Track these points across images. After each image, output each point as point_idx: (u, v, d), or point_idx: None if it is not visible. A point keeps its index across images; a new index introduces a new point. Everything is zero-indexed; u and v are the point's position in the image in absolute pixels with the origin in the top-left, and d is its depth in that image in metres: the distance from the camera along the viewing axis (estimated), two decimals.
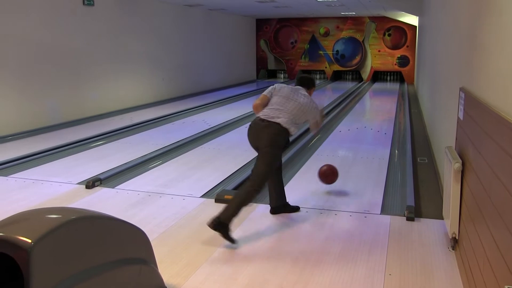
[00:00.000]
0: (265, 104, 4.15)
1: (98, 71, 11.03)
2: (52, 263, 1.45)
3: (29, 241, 1.36)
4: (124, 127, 9.33)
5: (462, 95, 3.76)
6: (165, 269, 3.38)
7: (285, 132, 3.99)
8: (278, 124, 3.94)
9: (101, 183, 5.49)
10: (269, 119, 3.97)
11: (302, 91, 4.28)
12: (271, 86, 4.28)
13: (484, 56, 3.10)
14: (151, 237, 2.45)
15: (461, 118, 3.74)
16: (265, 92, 4.24)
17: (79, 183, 5.53)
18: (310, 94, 4.33)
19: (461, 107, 3.77)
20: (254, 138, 4.05)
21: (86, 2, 10.45)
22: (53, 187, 5.43)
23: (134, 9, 12.31)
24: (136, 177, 5.82)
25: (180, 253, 3.72)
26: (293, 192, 4.99)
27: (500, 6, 2.70)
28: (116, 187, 5.40)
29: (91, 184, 5.36)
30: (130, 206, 4.82)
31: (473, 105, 3.27)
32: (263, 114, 4.05)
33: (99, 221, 1.80)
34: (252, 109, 4.29)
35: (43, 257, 1.37)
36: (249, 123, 4.21)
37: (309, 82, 4.42)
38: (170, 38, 14.30)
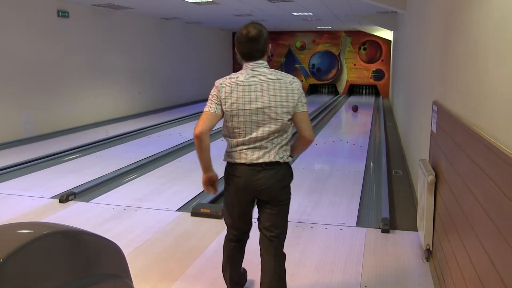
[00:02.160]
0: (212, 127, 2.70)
1: (73, 83, 10.92)
2: (22, 280, 1.41)
3: None
4: (99, 140, 9.23)
5: (435, 108, 3.83)
6: (140, 284, 3.34)
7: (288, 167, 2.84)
8: (277, 163, 2.72)
9: (75, 197, 5.41)
10: (261, 161, 2.69)
11: (264, 70, 2.71)
12: (212, 92, 2.73)
13: (455, 71, 3.17)
14: (126, 252, 2.41)
15: (434, 131, 3.80)
16: (208, 109, 2.70)
17: (52, 197, 5.44)
18: (268, 52, 2.78)
19: (434, 120, 3.83)
20: (251, 191, 2.75)
21: (60, 14, 10.36)
22: (25, 202, 5.33)
23: (110, 21, 12.25)
24: (111, 191, 5.75)
25: (156, 268, 3.68)
26: None
27: (468, 25, 2.77)
28: (90, 201, 5.33)
29: (65, 198, 5.28)
30: (105, 220, 4.75)
31: (445, 118, 3.33)
32: (243, 155, 2.71)
33: (72, 235, 1.77)
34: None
35: (13, 274, 1.34)
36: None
37: (259, 39, 2.69)
38: (147, 51, 14.25)
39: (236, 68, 22.09)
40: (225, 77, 2.75)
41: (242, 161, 2.72)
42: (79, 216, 4.87)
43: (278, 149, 2.72)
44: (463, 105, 2.82)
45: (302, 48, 21.42)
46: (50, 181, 6.18)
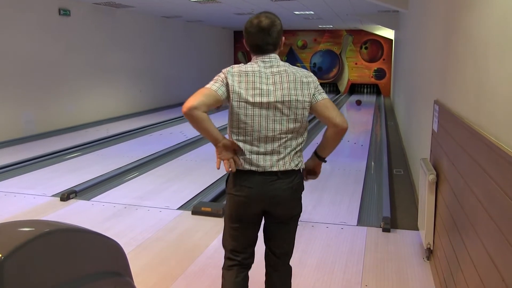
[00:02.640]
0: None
1: (74, 82, 10.92)
2: (24, 278, 1.41)
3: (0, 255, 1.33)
4: (100, 138, 9.23)
5: (437, 107, 3.82)
6: (142, 282, 3.34)
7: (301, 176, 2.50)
8: (293, 170, 2.39)
9: (76, 196, 5.42)
10: (275, 168, 2.34)
11: (277, 62, 2.40)
12: (219, 75, 2.39)
13: (457, 70, 3.17)
14: (127, 250, 2.43)
15: (436, 130, 3.80)
16: (210, 85, 2.34)
17: (53, 196, 5.44)
18: (281, 46, 2.46)
19: (436, 120, 3.83)
20: (258, 202, 2.39)
21: (62, 13, 10.36)
22: (27, 200, 5.33)
23: (111, 20, 12.25)
24: (112, 189, 5.76)
25: (157, 266, 3.69)
26: None
27: (471, 22, 2.77)
28: (91, 200, 5.33)
29: (66, 196, 5.28)
30: (106, 218, 4.76)
31: (447, 117, 3.33)
32: (250, 161, 2.35)
33: (73, 234, 1.77)
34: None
35: (14, 272, 1.34)
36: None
37: (271, 29, 2.34)
38: (148, 49, 14.25)
39: None
40: (233, 65, 2.39)
41: (253, 168, 2.33)
42: (80, 214, 4.87)
43: (293, 154, 2.37)
44: (464, 104, 2.82)
45: (304, 47, 21.40)
46: (51, 180, 6.19)
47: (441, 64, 3.93)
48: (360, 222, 4.66)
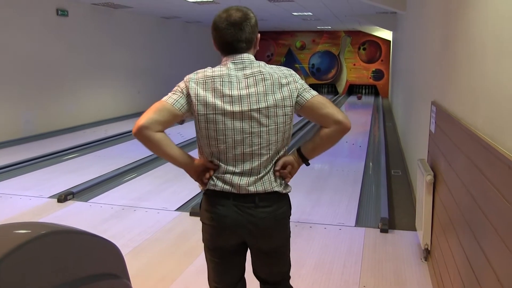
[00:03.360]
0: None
1: (72, 82, 10.92)
2: (19, 281, 1.41)
3: None
4: (98, 139, 9.22)
5: (434, 108, 3.83)
6: (139, 284, 3.33)
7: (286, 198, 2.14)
8: (275, 193, 2.03)
9: (73, 197, 5.41)
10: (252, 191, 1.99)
11: (250, 63, 2.00)
12: (179, 84, 2.05)
13: (454, 71, 3.17)
14: (124, 252, 2.43)
15: (433, 131, 3.80)
16: (166, 98, 2.01)
17: (50, 197, 5.44)
18: (256, 45, 2.08)
19: (433, 121, 3.83)
20: (234, 233, 2.04)
21: (60, 13, 10.36)
22: (23, 201, 5.32)
23: (109, 20, 12.25)
24: (110, 191, 5.75)
25: (155, 268, 3.68)
26: None
27: (467, 25, 2.78)
28: (89, 201, 5.33)
29: (63, 197, 5.28)
30: (104, 220, 4.75)
31: (444, 118, 3.33)
32: (222, 178, 2.00)
33: (70, 236, 1.77)
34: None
35: (10, 274, 1.34)
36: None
37: (243, 24, 1.98)
38: (146, 50, 14.25)
39: None
40: (197, 71, 2.02)
41: (227, 187, 1.96)
42: (77, 216, 4.87)
43: (273, 174, 2.01)
44: (461, 106, 2.83)
45: (302, 48, 21.42)
46: (48, 181, 6.18)
47: (439, 65, 3.93)
48: (358, 222, 4.66)
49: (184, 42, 16.80)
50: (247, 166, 1.96)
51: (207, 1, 11.02)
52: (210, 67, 2.02)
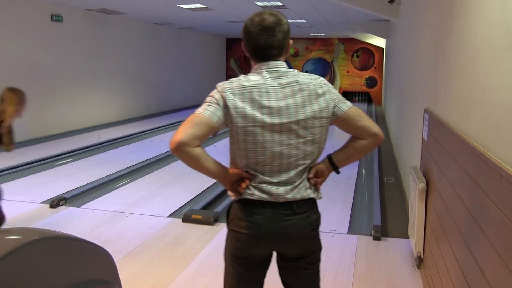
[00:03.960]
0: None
1: (66, 88, 10.89)
2: (11, 286, 1.40)
3: None
4: (91, 145, 9.20)
5: (427, 116, 3.85)
6: None
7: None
8: (310, 200, 2.05)
9: (66, 202, 5.38)
10: (291, 199, 1.96)
11: (285, 71, 1.94)
12: (213, 94, 1.96)
13: (446, 79, 3.19)
14: (117, 258, 2.42)
15: (426, 138, 3.82)
16: (203, 111, 1.89)
17: (43, 202, 5.41)
18: (288, 51, 2.01)
19: (426, 128, 3.85)
20: (270, 242, 2.00)
21: (54, 18, 10.34)
22: (15, 207, 5.29)
23: (103, 26, 12.24)
24: (102, 196, 5.73)
25: (147, 274, 3.67)
26: None
27: (458, 34, 2.80)
28: (81, 207, 5.30)
29: (55, 203, 5.25)
30: (96, 226, 4.73)
31: (436, 126, 3.35)
32: (260, 189, 1.95)
33: (62, 241, 1.76)
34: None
35: (1, 280, 1.33)
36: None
37: (276, 30, 1.92)
38: (140, 56, 14.24)
39: (230, 74, 22.14)
40: (231, 79, 1.96)
41: (265, 196, 1.92)
42: (70, 222, 4.84)
43: (308, 181, 2.01)
44: (453, 113, 2.84)
45: (296, 54, 21.49)
46: (40, 186, 6.15)
47: (431, 73, 3.96)
48: (351, 230, 4.66)
49: (178, 48, 16.81)
50: (283, 176, 1.93)
51: (200, 8, 11.04)
52: (243, 75, 1.95)
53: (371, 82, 20.62)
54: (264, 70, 1.92)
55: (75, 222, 4.82)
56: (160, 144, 9.58)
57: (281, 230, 1.94)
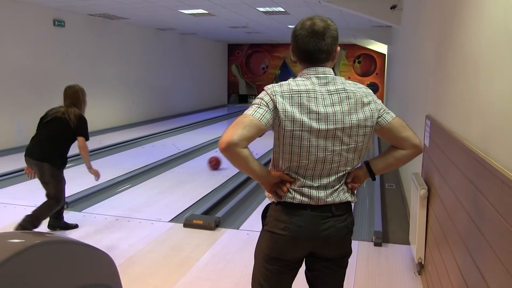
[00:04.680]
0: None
1: None
2: None
3: None
4: (93, 149, 9.18)
5: (428, 122, 3.85)
6: None
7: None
8: (347, 203, 2.08)
9: (67, 207, 5.38)
10: (330, 202, 2.00)
11: (333, 78, 1.98)
12: (262, 97, 1.92)
13: (448, 85, 3.20)
14: (118, 262, 2.42)
15: (427, 145, 3.82)
16: (252, 112, 1.87)
17: None
18: (335, 58, 2.05)
19: (427, 134, 3.85)
20: (308, 243, 2.03)
21: (56, 23, 10.38)
22: (17, 211, 5.28)
23: (105, 31, 12.28)
24: (103, 201, 5.74)
25: (148, 279, 3.66)
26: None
27: (460, 41, 2.81)
28: (83, 211, 5.31)
29: None
30: (97, 230, 4.73)
31: (438, 132, 3.35)
32: (301, 191, 1.98)
33: (64, 245, 1.76)
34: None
35: (3, 284, 1.34)
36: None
37: (326, 35, 1.94)
38: (142, 61, 14.28)
39: (231, 79, 22.17)
40: (281, 83, 1.95)
41: (305, 199, 1.97)
42: None
43: (346, 185, 2.04)
44: (455, 120, 2.85)
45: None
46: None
47: (433, 79, 3.96)
48: (352, 236, 4.64)
49: (179, 53, 16.85)
50: (324, 181, 1.97)
51: (202, 13, 11.08)
52: (292, 79, 1.97)
53: (373, 88, 20.60)
54: (312, 75, 1.95)
55: None
56: (162, 149, 9.59)
57: (320, 232, 1.98)
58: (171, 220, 5.04)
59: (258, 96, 1.93)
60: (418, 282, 3.62)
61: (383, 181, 6.91)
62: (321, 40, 1.93)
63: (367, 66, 20.63)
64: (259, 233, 2.15)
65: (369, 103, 1.95)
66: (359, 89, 1.97)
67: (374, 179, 2.13)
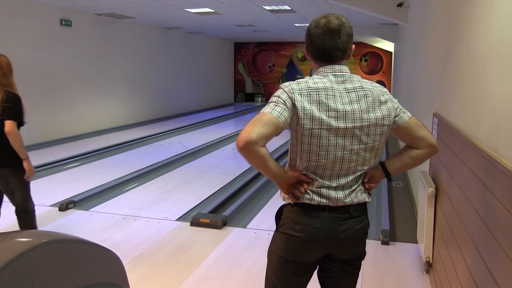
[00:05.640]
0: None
1: (75, 92, 10.95)
2: None
3: None
4: (100, 148, 9.23)
5: (436, 120, 3.83)
6: None
7: None
8: (364, 204, 2.05)
9: (75, 206, 5.40)
10: (348, 203, 1.97)
11: (350, 76, 1.97)
12: (280, 95, 1.86)
13: (456, 83, 3.18)
14: (125, 261, 2.42)
15: None
16: (270, 110, 1.82)
17: (52, 206, 5.43)
18: (350, 56, 2.04)
19: (435, 132, 3.83)
20: (325, 245, 1.99)
21: (63, 23, 10.41)
22: None
23: (112, 30, 12.31)
24: (111, 200, 5.75)
25: (155, 277, 3.67)
26: (268, 217, 4.98)
27: (470, 36, 2.79)
28: (90, 210, 5.32)
29: (64, 206, 5.27)
30: (104, 229, 4.74)
31: (445, 130, 3.33)
32: (319, 193, 1.94)
33: (71, 244, 1.76)
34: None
35: (10, 283, 1.34)
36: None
37: (341, 32, 1.93)
38: (149, 60, 14.30)
39: (238, 78, 22.16)
40: (298, 80, 1.91)
41: (323, 200, 1.92)
42: (79, 225, 4.86)
43: (362, 185, 2.02)
44: (463, 117, 2.83)
45: (304, 58, 21.48)
46: (49, 189, 6.18)
47: (441, 77, 3.94)
48: None
49: (186, 52, 16.87)
50: (342, 181, 1.93)
51: (209, 12, 11.08)
52: (309, 77, 1.92)
53: None
54: (329, 73, 1.92)
55: (84, 225, 4.84)
56: (169, 148, 9.60)
57: (337, 233, 1.94)
58: (178, 219, 5.04)
59: (275, 94, 1.88)
60: (426, 281, 3.60)
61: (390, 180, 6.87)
62: (337, 38, 1.91)
63: (374, 64, 20.56)
64: (273, 234, 2.11)
65: (386, 102, 1.93)
66: (376, 88, 1.95)
67: (390, 179, 2.11)
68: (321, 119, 1.83)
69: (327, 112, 1.83)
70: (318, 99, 1.84)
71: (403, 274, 3.74)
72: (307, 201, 1.93)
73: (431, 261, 3.61)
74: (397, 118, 1.95)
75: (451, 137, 3.07)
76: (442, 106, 3.76)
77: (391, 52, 19.01)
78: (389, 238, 4.40)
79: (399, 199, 5.92)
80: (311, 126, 1.83)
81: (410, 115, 1.99)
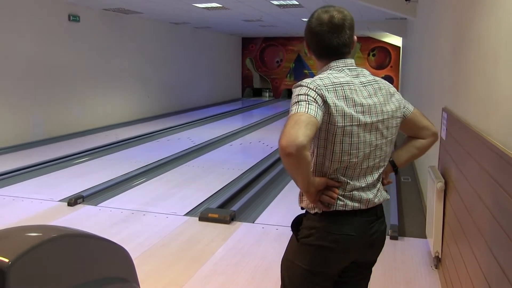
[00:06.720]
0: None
1: (83, 87, 10.98)
2: (30, 283, 1.41)
3: (6, 260, 1.33)
4: (108, 144, 9.26)
5: (445, 115, 3.80)
6: None
7: None
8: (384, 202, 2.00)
9: (83, 201, 5.43)
10: (375, 204, 1.91)
11: (361, 70, 1.91)
12: (307, 92, 1.69)
13: (465, 77, 3.15)
14: (133, 256, 2.43)
15: (444, 138, 3.77)
16: (305, 109, 1.63)
17: (61, 201, 5.46)
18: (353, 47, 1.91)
19: (444, 127, 3.81)
20: (356, 252, 1.89)
21: (71, 18, 10.44)
22: (34, 205, 5.35)
23: (120, 26, 12.33)
24: (119, 195, 5.77)
25: (163, 272, 3.68)
26: (276, 212, 4.98)
27: (481, 30, 2.76)
28: (98, 205, 5.34)
29: (73, 201, 5.30)
30: (113, 224, 4.76)
31: (455, 125, 3.31)
32: (354, 195, 1.82)
33: (80, 239, 1.77)
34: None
35: (21, 277, 1.34)
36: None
37: (345, 26, 1.84)
38: (156, 55, 14.31)
39: (245, 73, 22.14)
40: (319, 76, 1.78)
41: (356, 204, 1.81)
42: (87, 220, 4.88)
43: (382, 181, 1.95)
44: (473, 112, 2.80)
45: None
46: (58, 185, 6.21)
47: (450, 72, 3.91)
48: None
49: (193, 47, 16.86)
50: (369, 179, 1.84)
51: (216, 7, 11.06)
52: (327, 72, 1.82)
53: (387, 81, 20.39)
54: (344, 68, 1.84)
55: (92, 220, 4.86)
56: (177, 143, 9.62)
57: (368, 237, 1.86)
58: (186, 214, 5.05)
59: (299, 93, 1.70)
60: (435, 276, 3.59)
61: (398, 174, 6.86)
62: (344, 33, 1.82)
63: (382, 59, 20.46)
64: (290, 245, 1.97)
65: (394, 94, 1.89)
66: (383, 80, 1.91)
67: (397, 172, 2.07)
68: (352, 115, 1.73)
69: (355, 108, 1.74)
70: (344, 94, 1.73)
71: (412, 269, 3.73)
72: (340, 208, 1.80)
73: (440, 256, 3.60)
74: (404, 109, 1.92)
75: (461, 131, 3.05)
76: (451, 100, 3.73)
77: (399, 47, 18.90)
78: (397, 233, 4.39)
79: (407, 194, 5.90)
80: (343, 124, 1.72)
81: (414, 106, 1.97)
